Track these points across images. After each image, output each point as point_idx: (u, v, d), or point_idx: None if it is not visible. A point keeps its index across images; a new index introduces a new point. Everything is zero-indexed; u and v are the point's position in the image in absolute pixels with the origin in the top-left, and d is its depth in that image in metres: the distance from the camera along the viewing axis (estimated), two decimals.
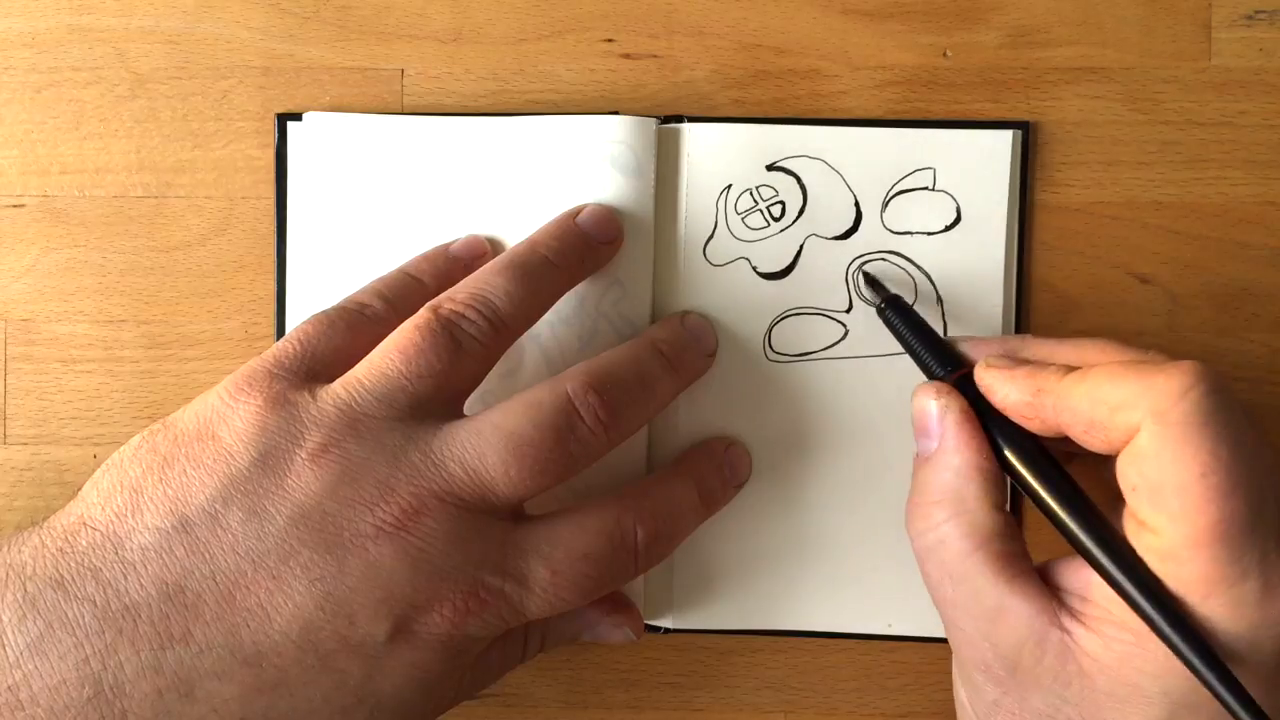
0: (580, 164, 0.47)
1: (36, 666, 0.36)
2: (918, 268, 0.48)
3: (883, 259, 0.48)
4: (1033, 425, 0.40)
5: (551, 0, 0.49)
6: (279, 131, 0.48)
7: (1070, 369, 0.39)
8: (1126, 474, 0.37)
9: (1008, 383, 0.40)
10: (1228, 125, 0.48)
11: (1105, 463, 0.39)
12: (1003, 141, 0.48)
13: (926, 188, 0.48)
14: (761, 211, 0.48)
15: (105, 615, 0.37)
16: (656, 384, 0.44)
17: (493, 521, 0.40)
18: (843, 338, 0.48)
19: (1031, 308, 0.48)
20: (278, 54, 0.49)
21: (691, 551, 0.48)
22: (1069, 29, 0.48)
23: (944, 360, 0.43)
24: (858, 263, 0.48)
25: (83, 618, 0.37)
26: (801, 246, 0.48)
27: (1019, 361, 0.41)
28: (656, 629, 0.49)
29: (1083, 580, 0.38)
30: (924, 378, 0.44)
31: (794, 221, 0.48)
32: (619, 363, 0.43)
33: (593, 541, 0.41)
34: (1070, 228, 0.48)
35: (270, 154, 0.49)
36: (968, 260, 0.48)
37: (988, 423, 0.41)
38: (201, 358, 0.49)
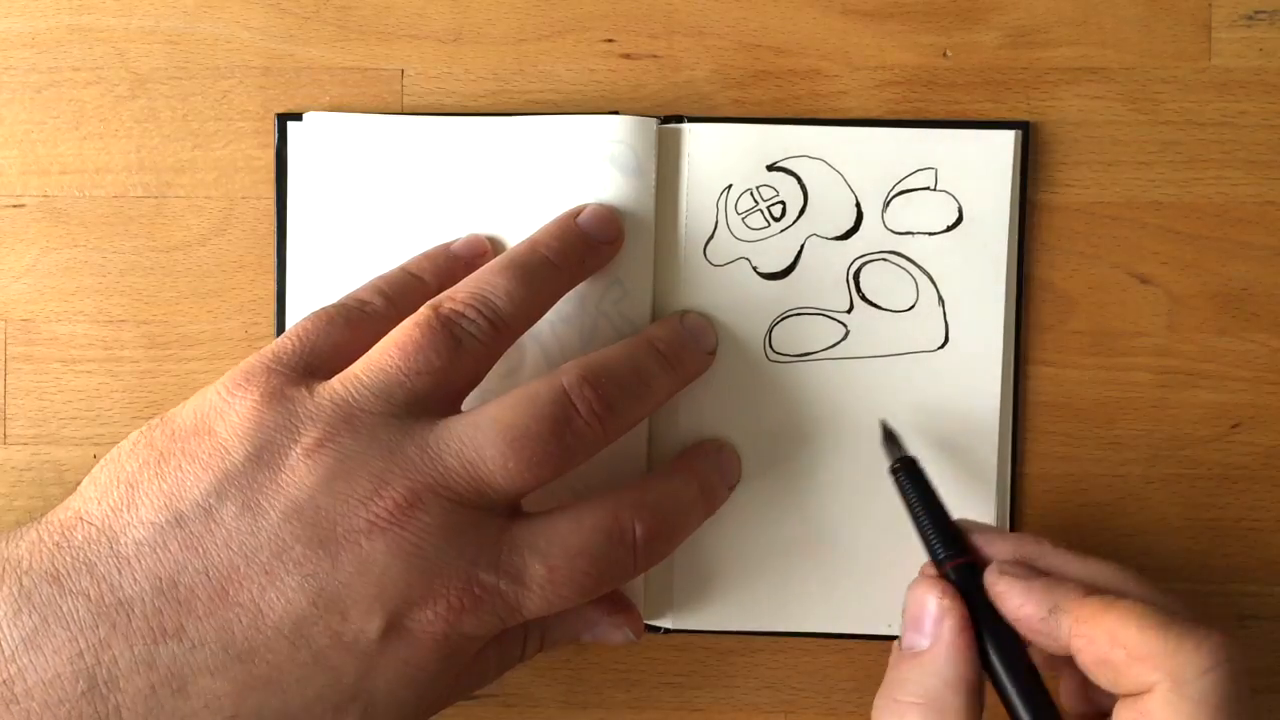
0: (581, 164, 0.47)
1: (31, 661, 0.36)
2: (919, 268, 0.48)
3: (884, 259, 0.48)
4: (1038, 640, 0.39)
5: (551, 0, 0.49)
6: (279, 131, 0.48)
7: (1088, 589, 0.39)
8: (1124, 718, 0.37)
9: (1023, 594, 0.39)
10: (1228, 125, 0.48)
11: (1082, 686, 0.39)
12: (1003, 141, 0.48)
13: (927, 188, 0.48)
14: (762, 211, 0.48)
15: (99, 610, 0.37)
16: (653, 380, 0.44)
17: (489, 517, 0.40)
18: (843, 338, 0.48)
19: (1031, 308, 0.48)
20: (278, 54, 0.49)
21: (691, 551, 0.48)
22: (1069, 29, 0.48)
23: (949, 544, 0.42)
24: (880, 419, 0.47)
25: (77, 612, 0.36)
26: (802, 246, 0.48)
27: (1033, 572, 0.40)
28: (656, 629, 0.49)
29: None
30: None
31: (794, 221, 0.48)
32: (615, 358, 0.43)
33: (590, 538, 0.41)
34: (1070, 228, 0.48)
35: (270, 154, 0.49)
36: (969, 260, 0.48)
37: (980, 627, 0.40)
38: (201, 358, 0.49)
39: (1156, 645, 0.36)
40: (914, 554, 0.43)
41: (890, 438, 0.46)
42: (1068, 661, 0.39)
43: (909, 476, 0.44)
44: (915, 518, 0.43)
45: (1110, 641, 0.37)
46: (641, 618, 0.47)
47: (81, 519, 0.38)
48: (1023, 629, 0.39)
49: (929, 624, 0.40)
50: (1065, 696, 0.43)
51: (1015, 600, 0.39)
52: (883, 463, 0.47)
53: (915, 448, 0.46)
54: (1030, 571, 0.40)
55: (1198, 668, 0.35)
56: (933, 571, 0.42)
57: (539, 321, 0.44)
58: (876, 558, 0.48)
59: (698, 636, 0.49)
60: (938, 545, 0.42)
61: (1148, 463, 0.48)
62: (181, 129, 0.49)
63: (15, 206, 0.49)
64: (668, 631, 0.49)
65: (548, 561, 0.40)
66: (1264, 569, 0.49)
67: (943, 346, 0.48)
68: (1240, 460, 0.48)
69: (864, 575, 0.48)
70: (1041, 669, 0.40)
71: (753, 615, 0.48)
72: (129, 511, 0.38)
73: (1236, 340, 0.48)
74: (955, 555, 0.42)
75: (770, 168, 0.48)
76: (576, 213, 0.46)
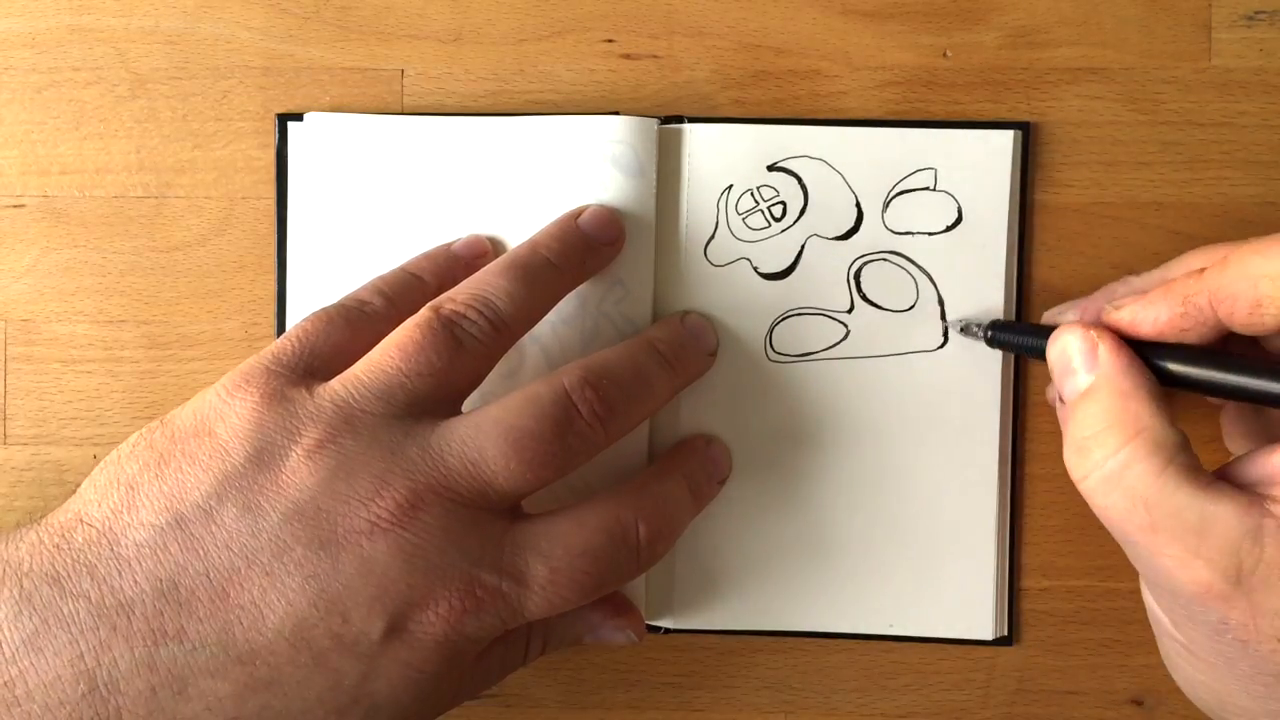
0: (582, 164, 0.47)
1: (32, 662, 0.36)
2: (919, 268, 0.48)
3: (884, 259, 0.48)
4: (1189, 335, 0.39)
5: (551, 0, 0.49)
6: (279, 131, 0.48)
7: (1195, 273, 0.39)
8: None
9: (1149, 307, 0.40)
10: (1228, 125, 0.48)
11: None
12: (1003, 141, 0.48)
13: (927, 188, 0.48)
14: (762, 212, 0.48)
15: (100, 612, 0.37)
16: (653, 381, 0.44)
17: (490, 518, 0.40)
18: (844, 338, 0.48)
19: (1032, 308, 0.48)
20: (278, 54, 0.49)
21: (692, 552, 0.48)
22: (1069, 29, 0.48)
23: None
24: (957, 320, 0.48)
25: (78, 614, 0.36)
26: (803, 247, 0.48)
27: (1139, 292, 0.41)
28: (657, 629, 0.49)
29: (1271, 468, 0.37)
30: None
31: (795, 222, 0.48)
32: (615, 360, 0.43)
33: (592, 538, 0.41)
34: (1070, 228, 0.48)
35: (270, 154, 0.49)
36: (969, 260, 0.48)
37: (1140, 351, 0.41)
38: (201, 358, 0.49)
39: None
40: (915, 554, 0.43)
41: (966, 328, 0.47)
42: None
43: (1002, 329, 0.46)
44: (1025, 347, 0.45)
45: (1250, 281, 0.37)
46: (643, 619, 0.47)
47: (82, 521, 0.38)
48: (1170, 334, 0.40)
49: (1084, 360, 0.41)
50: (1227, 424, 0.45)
51: (1146, 314, 0.40)
52: (884, 463, 0.47)
53: (915, 447, 0.46)
54: (1136, 294, 0.42)
55: None
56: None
57: (540, 322, 0.44)
58: (877, 558, 0.48)
59: (698, 636, 0.49)
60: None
61: None
62: (181, 129, 0.49)
63: (15, 206, 0.49)
64: (668, 631, 0.49)
65: (549, 563, 0.40)
66: None
67: (942, 346, 0.48)
68: None
69: (864, 575, 0.48)
70: None
71: (753, 615, 0.48)
72: (129, 513, 0.38)
73: None
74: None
75: (770, 168, 0.48)
76: (577, 213, 0.46)
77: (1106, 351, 0.40)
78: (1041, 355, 0.43)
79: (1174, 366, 0.40)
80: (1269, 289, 0.37)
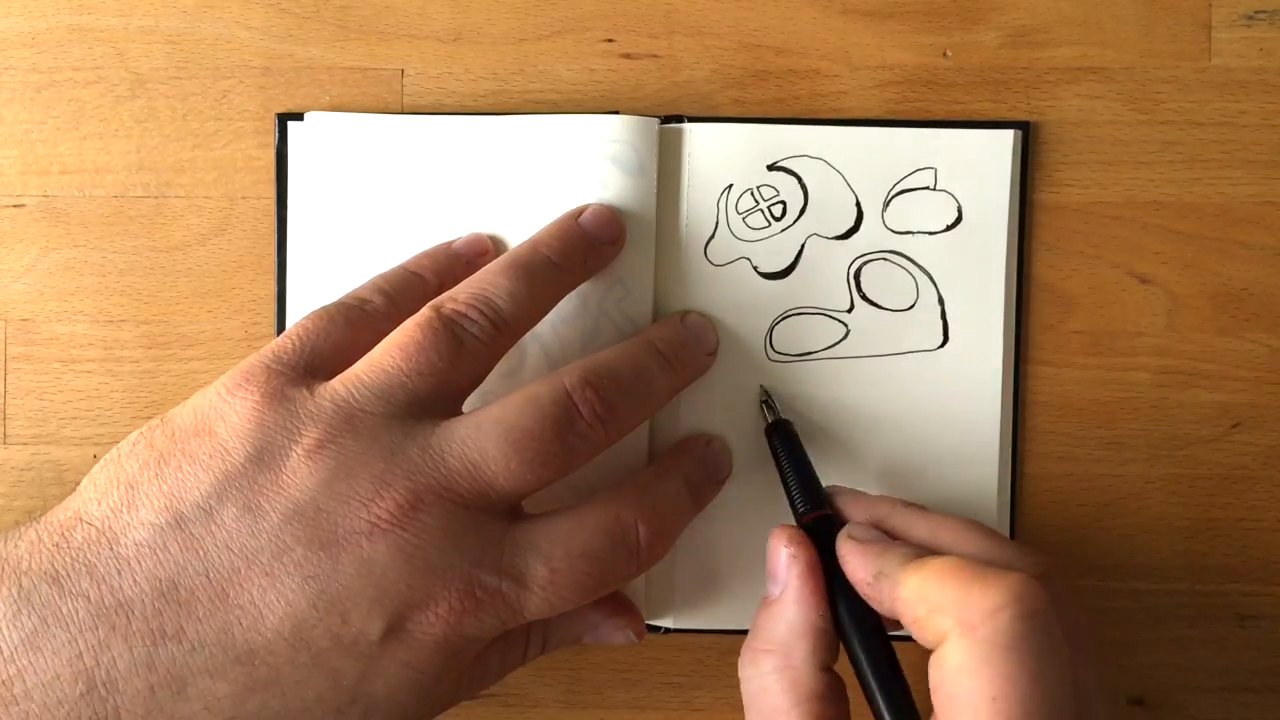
0: (582, 163, 0.47)
1: (30, 661, 0.36)
2: (919, 267, 0.48)
3: (884, 259, 0.48)
4: (875, 606, 0.40)
5: (551, 0, 0.49)
6: (279, 131, 0.48)
7: (917, 553, 0.39)
8: (931, 675, 0.36)
9: (859, 557, 0.40)
10: (1228, 125, 0.48)
11: None
12: (1003, 141, 0.48)
13: (927, 187, 0.48)
14: (762, 211, 0.48)
15: (99, 611, 0.37)
16: (654, 381, 0.44)
17: (490, 519, 0.40)
18: (844, 337, 0.48)
19: (1031, 308, 0.48)
20: (278, 54, 0.49)
21: (692, 551, 0.48)
22: (1069, 29, 0.48)
23: (808, 498, 0.44)
24: (760, 384, 0.48)
25: (77, 613, 0.36)
26: (803, 246, 0.48)
27: (877, 535, 0.41)
28: (657, 629, 0.49)
29: None
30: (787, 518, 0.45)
31: (795, 221, 0.48)
32: (616, 360, 0.43)
33: (592, 539, 0.41)
34: (1070, 228, 0.48)
35: (270, 154, 0.49)
36: (969, 260, 0.48)
37: (833, 581, 0.41)
38: (201, 358, 0.49)
39: (950, 594, 0.36)
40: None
41: (768, 402, 0.47)
42: None
43: (780, 437, 0.46)
44: (782, 475, 0.45)
45: (917, 599, 0.37)
46: (643, 619, 0.47)
47: (81, 520, 0.38)
48: (860, 593, 0.40)
49: (780, 571, 0.42)
50: None
51: (851, 563, 0.40)
52: (884, 462, 0.47)
53: (915, 447, 0.46)
54: (874, 534, 0.41)
55: (984, 610, 0.35)
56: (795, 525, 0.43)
57: (540, 322, 0.44)
58: None
59: (698, 636, 0.49)
60: (798, 499, 0.44)
61: (1148, 463, 0.48)
62: (181, 129, 0.49)
63: (15, 206, 0.49)
64: (669, 631, 0.49)
65: (550, 563, 0.40)
66: (1264, 569, 0.49)
67: (942, 346, 0.48)
68: (1240, 460, 0.48)
69: None
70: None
71: (753, 615, 0.48)
72: (129, 512, 0.38)
73: (1236, 340, 0.48)
74: (812, 509, 0.43)
75: (770, 167, 0.48)
76: (578, 213, 0.46)
77: (795, 575, 0.41)
78: (786, 493, 0.45)
79: (843, 617, 0.41)
80: (922, 614, 0.37)
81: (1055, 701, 0.35)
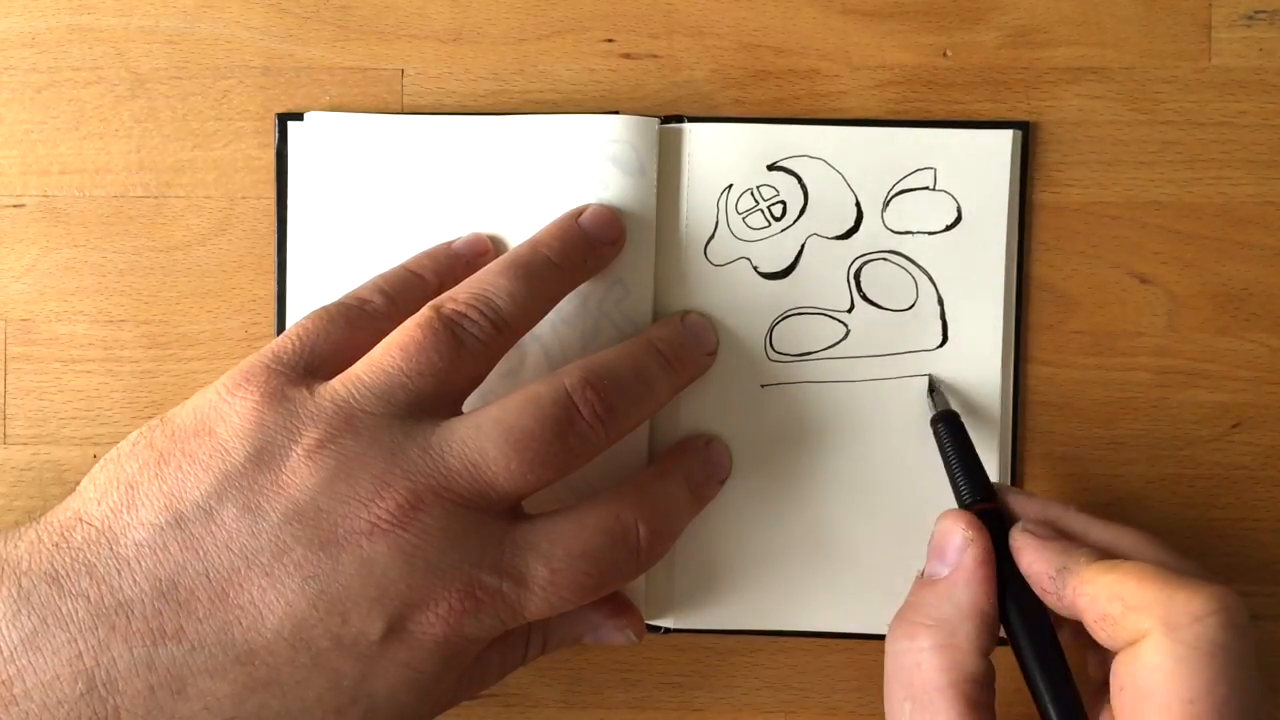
0: (582, 163, 0.47)
1: (30, 661, 0.36)
2: (919, 267, 0.48)
3: (884, 259, 0.48)
4: (1048, 599, 0.40)
5: (551, 0, 0.49)
6: (279, 131, 0.48)
7: (1100, 555, 0.39)
8: (1119, 673, 0.37)
9: (1037, 551, 0.40)
10: (1228, 125, 0.48)
11: (1104, 655, 0.39)
12: (1003, 141, 0.48)
13: (927, 187, 0.48)
14: (762, 211, 0.48)
15: (99, 611, 0.37)
16: (654, 382, 0.44)
17: (490, 519, 0.40)
18: (844, 337, 0.48)
19: (1031, 307, 0.48)
20: (278, 54, 0.49)
21: (692, 551, 0.48)
22: (1069, 29, 0.48)
23: (979, 490, 0.43)
24: (928, 374, 0.48)
25: (76, 613, 0.36)
26: (802, 246, 0.48)
27: (1055, 533, 0.41)
28: (657, 629, 0.49)
29: None
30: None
31: (795, 221, 0.48)
32: (617, 360, 0.43)
33: (592, 539, 0.41)
34: (1070, 228, 0.48)
35: (270, 154, 0.49)
36: (968, 260, 0.48)
37: (1004, 571, 0.41)
38: (201, 358, 0.49)
39: (1152, 595, 0.36)
40: (916, 554, 0.43)
41: (934, 390, 0.47)
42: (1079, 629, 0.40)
43: (948, 428, 0.45)
44: (949, 464, 0.45)
45: (1109, 597, 0.37)
46: (643, 619, 0.47)
47: (81, 519, 0.38)
48: (1033, 585, 0.40)
49: (951, 553, 0.42)
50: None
51: (1029, 556, 0.40)
52: (884, 462, 0.47)
53: (916, 447, 0.46)
54: (1051, 532, 0.41)
55: (1191, 614, 0.35)
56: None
57: (540, 322, 0.44)
58: (877, 557, 0.48)
59: (698, 636, 0.49)
60: (966, 490, 0.44)
61: (1148, 463, 0.48)
62: (181, 129, 0.49)
63: (15, 206, 0.49)
64: (668, 631, 0.49)
65: (550, 563, 0.40)
66: (1264, 569, 0.49)
67: (942, 346, 0.48)
68: (1240, 460, 0.48)
69: (865, 575, 0.48)
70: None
71: (753, 615, 0.48)
72: (129, 512, 0.38)
73: (1236, 340, 0.48)
74: (982, 500, 0.43)
75: (770, 167, 0.48)
76: (578, 213, 0.46)
77: (970, 559, 0.41)
78: (952, 481, 0.44)
79: (1010, 607, 0.41)
80: (1117, 611, 0.37)
81: (1249, 713, 0.35)
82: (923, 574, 0.43)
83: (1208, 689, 0.34)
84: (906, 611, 0.42)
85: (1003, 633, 0.41)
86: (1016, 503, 0.43)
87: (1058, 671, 0.39)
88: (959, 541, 0.41)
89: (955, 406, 0.46)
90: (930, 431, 0.46)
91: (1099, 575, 0.38)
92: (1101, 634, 0.38)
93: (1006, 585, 0.41)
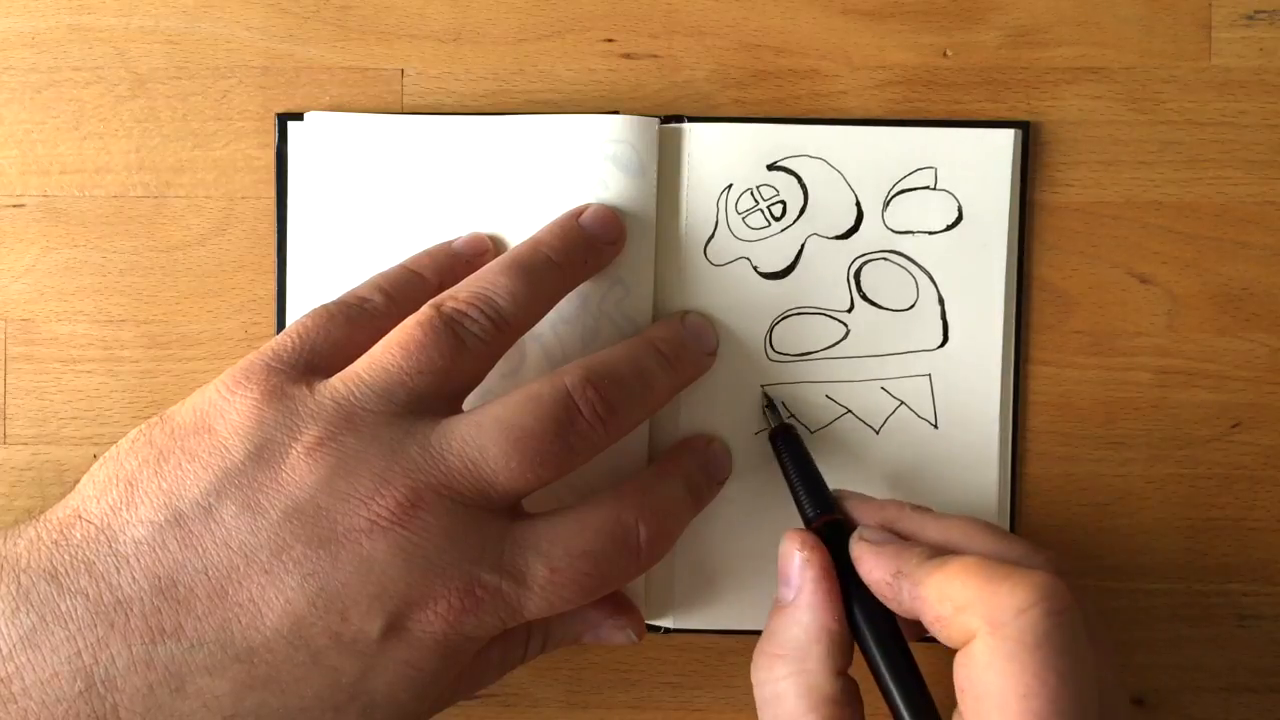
0: (583, 163, 0.47)
1: (29, 659, 0.36)
2: (919, 267, 0.48)
3: (884, 259, 0.48)
4: (892, 606, 0.40)
5: (551, 0, 0.49)
6: (279, 131, 0.48)
7: (933, 553, 0.39)
8: (959, 674, 0.37)
9: (874, 557, 0.40)
10: (1228, 125, 0.48)
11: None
12: (1003, 141, 0.48)
13: (928, 187, 0.48)
14: (762, 211, 0.48)
15: (98, 609, 0.37)
16: (654, 381, 0.44)
17: (491, 517, 0.40)
18: (844, 337, 0.48)
19: (1032, 307, 0.48)
20: (278, 54, 0.49)
21: (692, 552, 0.48)
22: (1069, 29, 0.48)
23: (818, 503, 0.44)
24: (761, 386, 0.48)
25: (75, 611, 0.36)
26: (802, 246, 0.48)
27: (889, 537, 0.41)
28: (657, 629, 0.49)
29: None
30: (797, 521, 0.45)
31: (795, 221, 0.48)
32: (617, 359, 0.43)
33: (592, 539, 0.41)
34: (1070, 228, 0.48)
35: (270, 154, 0.49)
36: (969, 259, 0.48)
37: (847, 584, 0.41)
38: (201, 357, 0.49)
39: (975, 592, 0.36)
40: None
41: (771, 406, 0.47)
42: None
43: (785, 442, 0.46)
44: (789, 480, 0.45)
45: (939, 598, 0.37)
46: (643, 619, 0.47)
47: (80, 517, 0.38)
48: (876, 593, 0.40)
49: (794, 576, 0.42)
50: None
51: (866, 564, 0.40)
52: (883, 462, 0.47)
53: (915, 447, 0.46)
54: (887, 536, 0.41)
55: (1012, 608, 0.35)
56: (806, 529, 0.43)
57: (540, 321, 0.44)
58: None
59: (698, 636, 0.49)
60: (806, 504, 0.44)
61: (1148, 463, 0.48)
62: (181, 129, 0.49)
63: (15, 206, 0.49)
64: (668, 631, 0.49)
65: (550, 563, 0.40)
66: (1264, 569, 0.49)
67: (942, 346, 0.48)
68: (1240, 460, 0.48)
69: None
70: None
71: (753, 615, 0.48)
72: (128, 510, 0.38)
73: (1236, 340, 0.48)
74: (821, 514, 0.43)
75: (770, 167, 0.48)
76: (578, 213, 0.46)
77: (809, 579, 0.41)
78: (794, 498, 0.45)
79: (858, 619, 0.41)
80: (947, 613, 0.37)
81: (1083, 698, 0.35)
82: (775, 600, 0.43)
83: (1040, 681, 0.34)
84: (762, 642, 0.42)
85: None
86: (855, 508, 0.44)
87: (908, 677, 0.39)
88: (798, 563, 0.42)
89: (954, 408, 0.46)
90: (929, 430, 0.46)
91: (928, 576, 0.38)
92: (940, 635, 0.38)
93: (853, 596, 0.41)
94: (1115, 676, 0.39)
